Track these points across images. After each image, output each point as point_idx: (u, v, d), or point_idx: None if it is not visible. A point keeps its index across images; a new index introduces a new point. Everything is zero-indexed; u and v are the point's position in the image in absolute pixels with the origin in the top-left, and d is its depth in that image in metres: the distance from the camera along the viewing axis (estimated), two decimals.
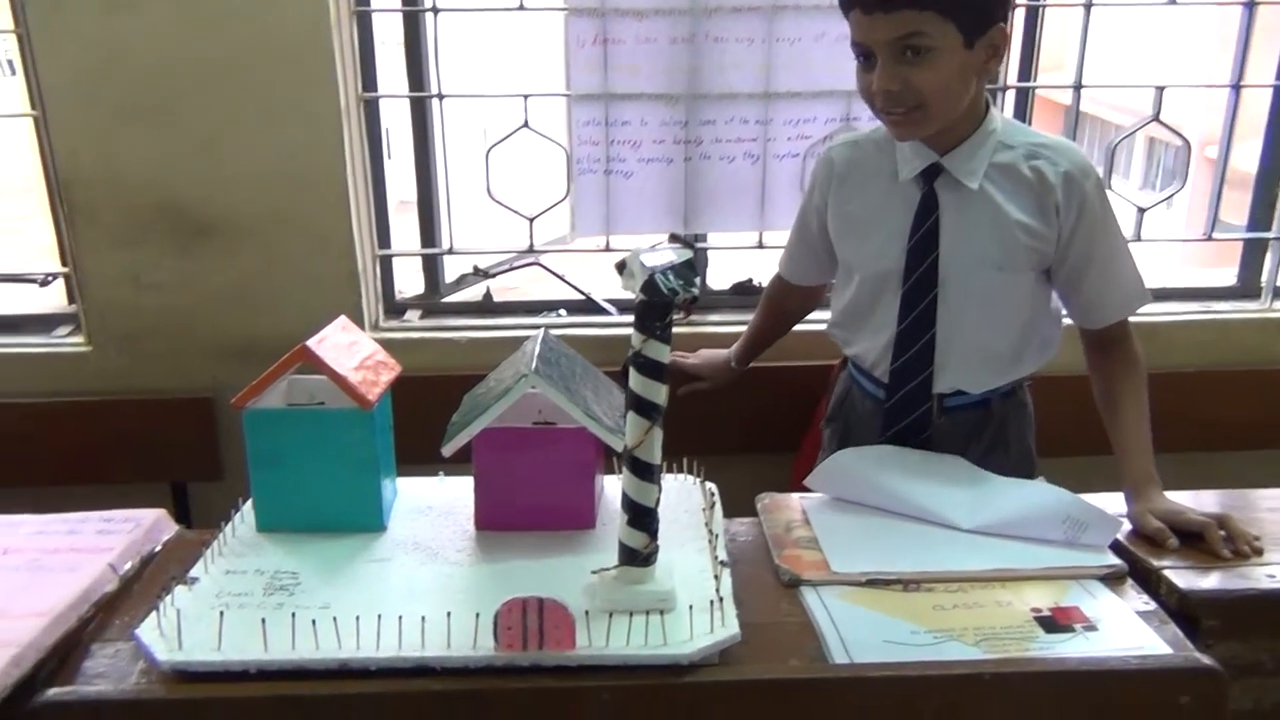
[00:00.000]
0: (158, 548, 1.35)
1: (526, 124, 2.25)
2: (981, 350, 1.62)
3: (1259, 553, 1.33)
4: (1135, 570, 1.30)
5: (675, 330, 1.09)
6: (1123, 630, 1.17)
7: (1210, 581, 1.27)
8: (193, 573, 1.21)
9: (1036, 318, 1.64)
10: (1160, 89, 2.30)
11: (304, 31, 2.03)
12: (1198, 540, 1.35)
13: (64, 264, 2.25)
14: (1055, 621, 1.17)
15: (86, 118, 2.06)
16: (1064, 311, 1.69)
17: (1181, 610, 1.23)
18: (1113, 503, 1.45)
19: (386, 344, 1.45)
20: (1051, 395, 1.77)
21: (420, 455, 1.40)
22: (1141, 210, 2.34)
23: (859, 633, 1.15)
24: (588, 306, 2.39)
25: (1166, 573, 1.28)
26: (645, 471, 1.12)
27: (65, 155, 2.09)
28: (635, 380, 1.09)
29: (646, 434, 1.11)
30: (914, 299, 1.60)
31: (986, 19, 1.44)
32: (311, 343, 1.29)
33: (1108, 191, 1.65)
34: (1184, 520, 1.37)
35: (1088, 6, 2.22)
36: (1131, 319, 1.64)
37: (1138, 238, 2.33)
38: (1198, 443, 2.16)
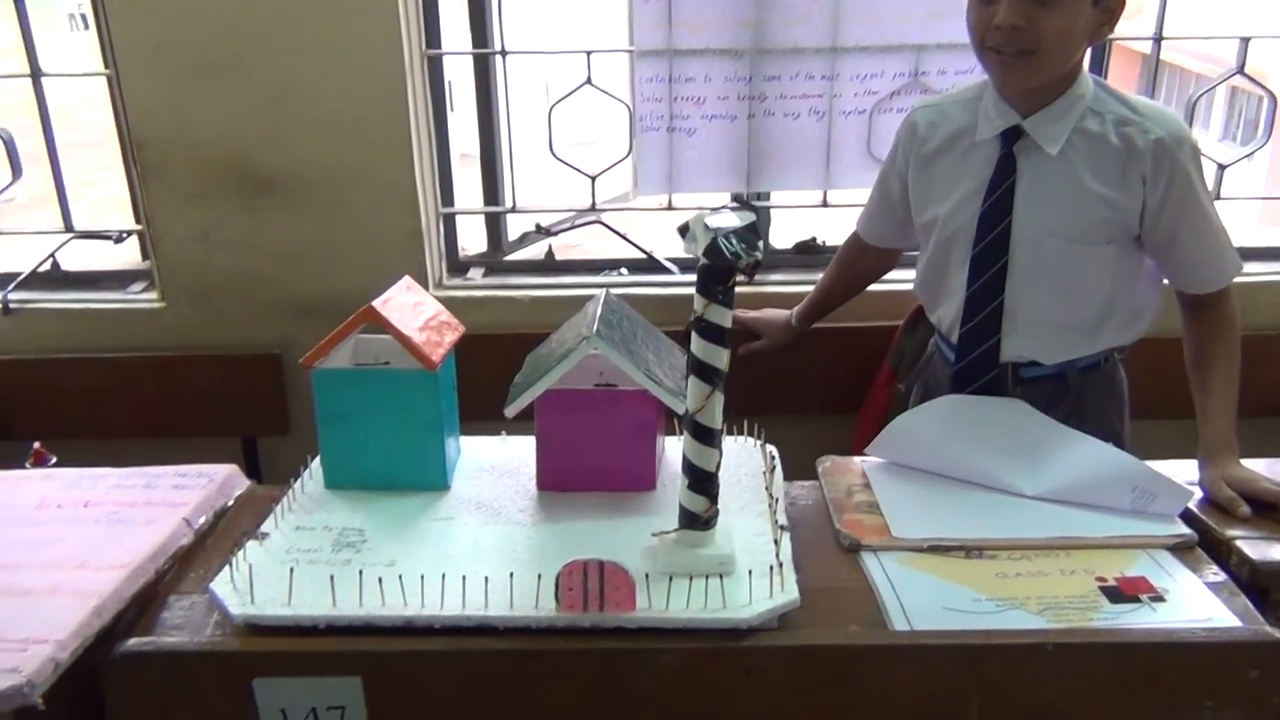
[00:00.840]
0: (230, 502, 1.39)
1: (589, 81, 2.24)
2: (1052, 321, 1.59)
3: None
4: (1205, 540, 1.28)
5: (736, 290, 1.09)
6: (1191, 601, 1.15)
7: None
8: (264, 528, 1.24)
9: (1122, 290, 1.59)
10: (1245, 40, 2.21)
11: None
12: (1272, 510, 1.32)
13: (138, 221, 2.30)
14: (1121, 592, 1.16)
15: (157, 76, 2.09)
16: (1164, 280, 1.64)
17: (1252, 582, 1.20)
18: (1190, 469, 1.43)
19: (449, 302, 1.47)
20: (1151, 357, 1.71)
21: (483, 412, 1.42)
22: (1222, 167, 2.26)
23: (920, 599, 1.15)
24: (649, 265, 2.38)
25: (1238, 543, 1.25)
26: (706, 436, 1.12)
27: (138, 115, 2.12)
28: (697, 344, 1.09)
29: (708, 398, 1.11)
30: (983, 264, 1.57)
31: None
32: (377, 303, 1.31)
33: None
34: (1258, 489, 1.34)
35: None
36: None
37: (1218, 195, 2.26)
38: (1277, 408, 2.11)
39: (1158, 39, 2.21)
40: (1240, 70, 2.24)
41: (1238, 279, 1.60)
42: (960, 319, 1.62)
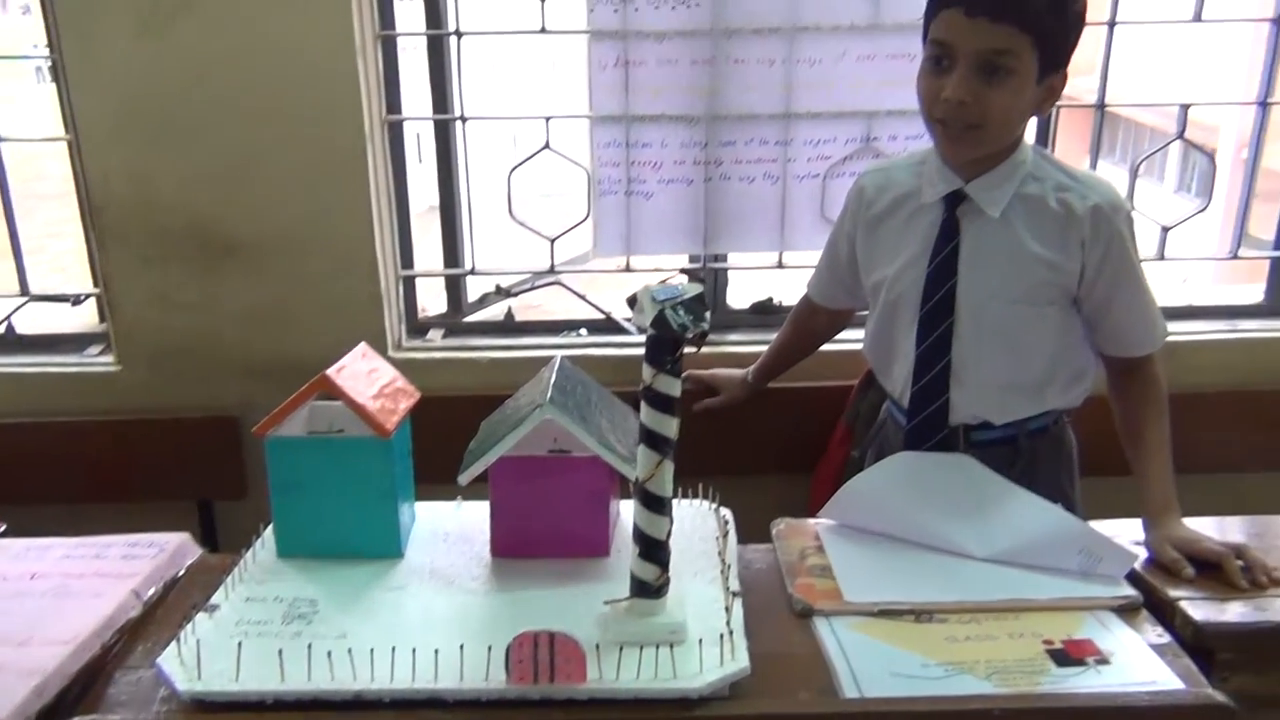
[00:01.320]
0: (181, 572, 1.38)
1: (548, 145, 2.27)
2: (1000, 381, 1.62)
3: (1277, 584, 1.31)
4: (1151, 601, 1.29)
5: (694, 350, 1.10)
6: (1135, 664, 1.16)
7: (1226, 613, 1.26)
8: (214, 599, 1.23)
9: (1065, 351, 1.62)
10: (1185, 106, 2.28)
11: (330, 56, 2.06)
12: (1216, 570, 1.34)
13: (95, 284, 2.30)
14: (1067, 655, 1.17)
15: (117, 141, 2.10)
16: None
17: (1196, 643, 1.22)
18: (1138, 528, 1.45)
19: (409, 364, 1.48)
20: (1101, 417, 1.69)
21: (441, 475, 1.42)
22: (1165, 229, 2.32)
23: (870, 665, 1.16)
24: (608, 326, 2.40)
25: (1182, 604, 1.27)
26: (656, 504, 1.13)
27: (97, 179, 2.13)
28: (646, 413, 1.11)
29: (658, 467, 1.12)
30: (930, 325, 1.60)
31: (1062, 59, 1.47)
32: (331, 371, 1.31)
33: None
34: (1201, 550, 1.36)
35: (1111, 25, 2.21)
36: None
37: (1162, 256, 2.32)
38: (1221, 465, 2.14)
39: (1100, 106, 2.28)
40: (1180, 136, 2.31)
41: (1183, 338, 1.64)
42: (910, 380, 1.65)
